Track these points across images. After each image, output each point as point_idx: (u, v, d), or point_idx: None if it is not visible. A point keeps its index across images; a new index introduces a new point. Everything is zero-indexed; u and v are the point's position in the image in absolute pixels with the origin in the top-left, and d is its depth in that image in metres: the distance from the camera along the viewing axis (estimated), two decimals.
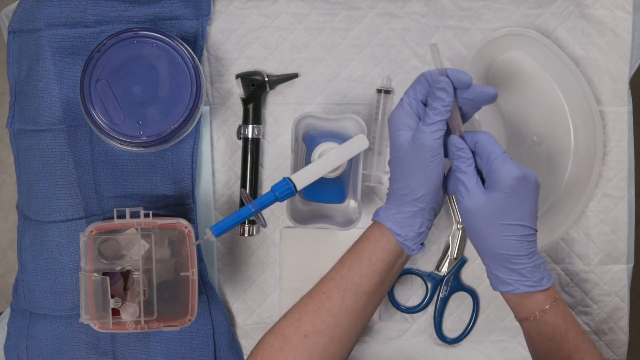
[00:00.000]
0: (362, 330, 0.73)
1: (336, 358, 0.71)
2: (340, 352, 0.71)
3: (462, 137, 0.71)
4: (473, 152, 0.71)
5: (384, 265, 0.72)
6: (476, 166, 0.71)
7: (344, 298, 0.71)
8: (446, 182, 0.74)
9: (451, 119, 0.71)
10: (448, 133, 0.72)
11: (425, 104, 0.72)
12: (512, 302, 0.73)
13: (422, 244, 0.73)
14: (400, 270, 0.74)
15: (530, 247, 0.70)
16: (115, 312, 0.80)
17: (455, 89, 0.70)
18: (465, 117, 0.73)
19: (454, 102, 0.70)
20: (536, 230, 0.70)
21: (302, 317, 0.71)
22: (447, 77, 0.69)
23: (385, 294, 0.74)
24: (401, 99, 0.73)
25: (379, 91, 0.88)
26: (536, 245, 0.71)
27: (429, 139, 0.69)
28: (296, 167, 0.83)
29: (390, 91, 0.89)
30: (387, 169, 0.78)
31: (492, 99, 0.71)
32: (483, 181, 0.70)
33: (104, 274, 0.79)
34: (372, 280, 0.71)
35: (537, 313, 0.71)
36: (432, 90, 0.70)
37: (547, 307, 0.71)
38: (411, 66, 0.90)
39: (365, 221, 0.78)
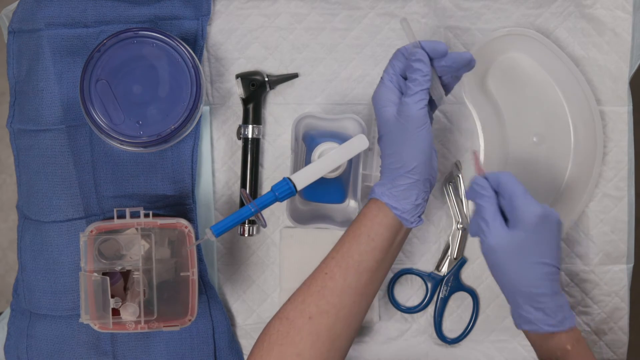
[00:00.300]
0: (366, 309, 0.73)
1: (342, 338, 0.71)
2: (345, 332, 0.71)
3: (485, 177, 0.72)
4: (495, 192, 0.71)
5: (383, 240, 0.72)
6: (499, 206, 0.71)
7: (346, 277, 0.71)
8: (469, 224, 0.74)
9: (432, 88, 0.72)
10: (431, 103, 0.74)
11: (405, 78, 0.72)
12: (534, 342, 0.73)
13: (420, 217, 0.73)
14: (400, 247, 0.75)
15: (553, 285, 0.70)
16: (115, 312, 0.80)
17: (432, 59, 0.71)
18: (447, 88, 0.75)
19: (433, 72, 0.71)
20: (559, 269, 0.70)
21: (306, 299, 0.70)
22: (422, 48, 0.70)
23: (386, 273, 0.74)
24: (381, 77, 0.74)
25: None
26: (559, 285, 0.71)
27: (413, 109, 0.69)
28: (296, 167, 0.83)
29: None
30: None
31: (469, 63, 0.72)
32: (506, 220, 0.71)
33: (104, 274, 0.79)
34: (373, 257, 0.71)
35: (558, 353, 0.71)
36: (409, 63, 0.70)
37: (569, 347, 0.71)
38: None
39: None
